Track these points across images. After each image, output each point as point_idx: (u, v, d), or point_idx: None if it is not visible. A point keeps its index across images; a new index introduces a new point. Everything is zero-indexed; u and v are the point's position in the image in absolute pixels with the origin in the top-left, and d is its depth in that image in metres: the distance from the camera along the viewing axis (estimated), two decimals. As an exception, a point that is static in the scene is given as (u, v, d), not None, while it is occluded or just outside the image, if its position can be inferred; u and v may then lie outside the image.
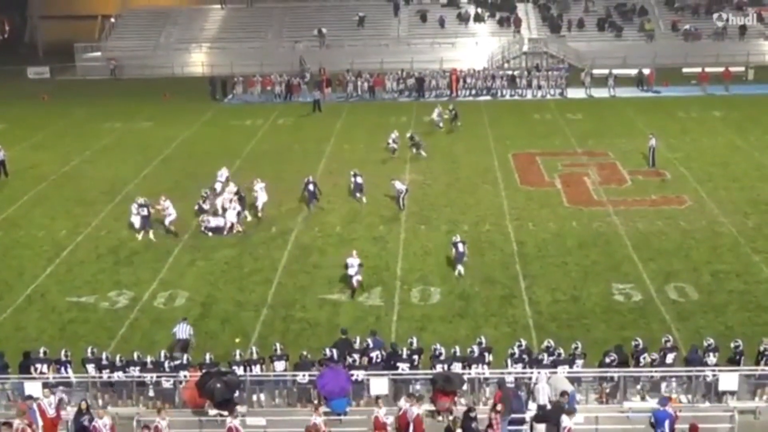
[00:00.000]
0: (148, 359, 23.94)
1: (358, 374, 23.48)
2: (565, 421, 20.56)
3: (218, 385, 22.36)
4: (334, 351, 23.98)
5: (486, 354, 23.87)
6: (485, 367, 23.60)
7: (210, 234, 35.98)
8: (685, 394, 23.47)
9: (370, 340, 24.81)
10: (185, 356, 24.38)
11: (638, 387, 23.38)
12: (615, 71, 64.36)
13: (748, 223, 36.20)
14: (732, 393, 22.95)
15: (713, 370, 22.95)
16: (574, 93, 63.71)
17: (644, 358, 23.57)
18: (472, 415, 20.81)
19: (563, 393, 21.60)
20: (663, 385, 23.35)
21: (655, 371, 23.37)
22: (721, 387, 22.86)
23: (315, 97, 60.58)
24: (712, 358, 23.43)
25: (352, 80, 65.69)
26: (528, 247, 34.22)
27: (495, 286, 30.83)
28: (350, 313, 29.14)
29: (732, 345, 23.73)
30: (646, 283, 30.86)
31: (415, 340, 24.40)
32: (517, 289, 30.63)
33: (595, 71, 64.97)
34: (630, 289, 30.41)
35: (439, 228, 36.40)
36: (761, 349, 23.49)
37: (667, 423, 20.64)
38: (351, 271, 30.51)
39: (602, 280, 31.25)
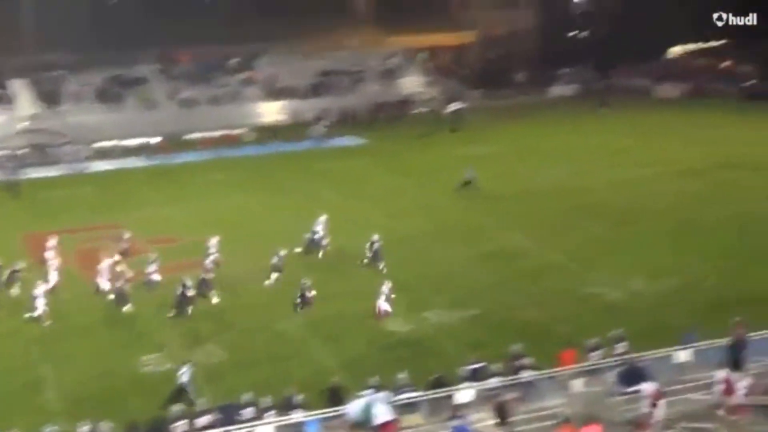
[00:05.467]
0: None
1: None
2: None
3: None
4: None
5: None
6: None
7: None
8: None
9: None
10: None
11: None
12: (120, 142, 64.00)
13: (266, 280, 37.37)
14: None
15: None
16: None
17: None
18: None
19: None
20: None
21: None
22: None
23: None
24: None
25: None
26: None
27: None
28: None
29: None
30: (174, 349, 30.82)
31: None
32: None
33: (100, 144, 64.07)
34: (159, 359, 30.29)
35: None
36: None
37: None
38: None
39: (129, 354, 30.78)
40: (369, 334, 32.38)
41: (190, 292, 34.22)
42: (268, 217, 47.35)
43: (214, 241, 38.71)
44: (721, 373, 24.36)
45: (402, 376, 26.18)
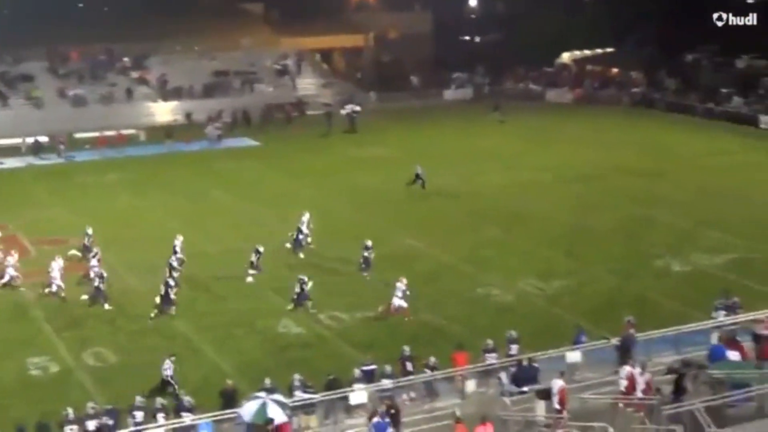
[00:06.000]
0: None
1: None
2: None
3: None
4: None
5: None
6: None
7: None
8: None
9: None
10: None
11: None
12: (6, 141, 62.33)
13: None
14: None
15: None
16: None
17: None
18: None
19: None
20: None
21: None
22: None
23: None
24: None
25: None
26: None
27: None
28: None
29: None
30: (63, 353, 29.98)
31: None
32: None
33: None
34: (47, 362, 29.48)
35: None
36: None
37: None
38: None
39: (16, 356, 29.94)
40: (262, 336, 32.19)
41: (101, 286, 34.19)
42: (160, 218, 46.58)
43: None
44: (626, 369, 24.72)
45: (296, 377, 26.01)
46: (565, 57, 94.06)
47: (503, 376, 26.76)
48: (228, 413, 24.43)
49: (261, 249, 37.69)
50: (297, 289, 34.24)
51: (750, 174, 54.03)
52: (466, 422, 22.68)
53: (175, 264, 36.65)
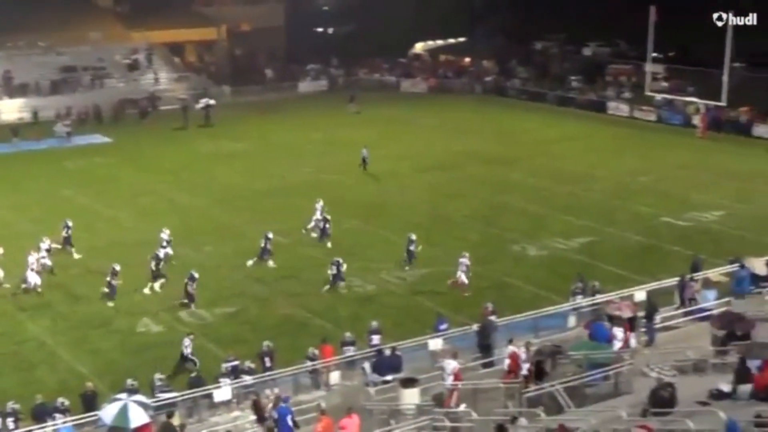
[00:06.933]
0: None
1: None
2: None
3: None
4: None
5: None
6: None
7: None
8: None
9: None
10: None
11: None
12: None
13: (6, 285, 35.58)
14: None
15: None
16: None
17: None
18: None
19: None
20: None
21: None
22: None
23: None
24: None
25: None
26: None
27: None
28: None
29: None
30: None
31: None
32: None
33: None
34: None
35: None
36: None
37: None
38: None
39: None
40: (121, 336, 31.49)
41: None
42: (8, 218, 45.02)
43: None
44: (510, 348, 25.05)
45: (158, 377, 25.53)
46: (419, 47, 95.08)
47: (366, 366, 26.84)
48: (89, 416, 23.84)
49: (270, 235, 38.01)
50: (332, 271, 34.79)
51: (599, 158, 55.74)
52: (332, 414, 22.64)
53: (161, 256, 36.42)
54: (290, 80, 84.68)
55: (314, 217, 41.51)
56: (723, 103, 61.35)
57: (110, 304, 33.76)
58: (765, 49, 69.90)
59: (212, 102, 70.01)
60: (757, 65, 68.59)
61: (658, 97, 68.39)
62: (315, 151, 58.72)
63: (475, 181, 50.81)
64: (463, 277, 34.37)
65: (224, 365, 26.53)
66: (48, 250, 36.61)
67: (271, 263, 37.58)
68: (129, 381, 25.02)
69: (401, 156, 56.47)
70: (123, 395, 23.13)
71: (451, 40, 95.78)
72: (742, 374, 20.98)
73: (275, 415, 23.15)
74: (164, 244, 37.88)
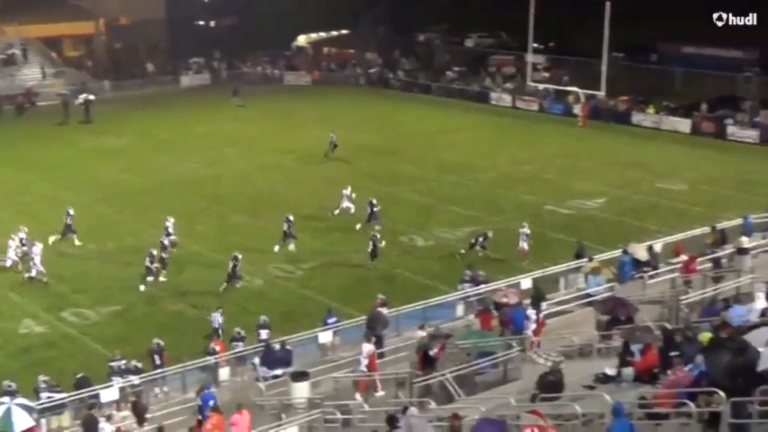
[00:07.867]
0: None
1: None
2: None
3: None
4: None
5: None
6: None
7: None
8: None
9: None
10: None
11: None
12: None
13: None
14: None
15: None
16: None
17: None
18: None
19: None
20: None
21: None
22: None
23: None
24: None
25: None
26: None
27: None
28: None
29: None
30: None
31: None
32: None
33: None
34: None
35: None
36: None
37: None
38: None
39: None
40: (2, 338, 30.70)
41: None
42: None
43: None
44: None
45: (42, 378, 24.87)
46: (302, 39, 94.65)
47: (256, 361, 26.64)
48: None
49: (291, 217, 38.44)
50: (371, 248, 35.98)
51: (483, 149, 56.43)
52: (222, 411, 22.37)
53: (166, 243, 36.54)
54: (172, 74, 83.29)
55: (343, 204, 42.22)
56: (602, 93, 62.77)
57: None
58: (642, 38, 71.96)
59: (92, 97, 68.27)
60: (635, 54, 70.55)
61: (540, 87, 69.59)
62: (199, 145, 57.95)
63: (361, 172, 50.78)
64: (525, 246, 36.11)
65: (112, 363, 26.03)
66: None
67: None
68: (6, 383, 24.32)
69: (286, 149, 56.14)
70: (5, 399, 22.48)
71: (335, 33, 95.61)
72: (625, 358, 21.44)
73: (199, 401, 23.24)
74: (169, 231, 37.72)
